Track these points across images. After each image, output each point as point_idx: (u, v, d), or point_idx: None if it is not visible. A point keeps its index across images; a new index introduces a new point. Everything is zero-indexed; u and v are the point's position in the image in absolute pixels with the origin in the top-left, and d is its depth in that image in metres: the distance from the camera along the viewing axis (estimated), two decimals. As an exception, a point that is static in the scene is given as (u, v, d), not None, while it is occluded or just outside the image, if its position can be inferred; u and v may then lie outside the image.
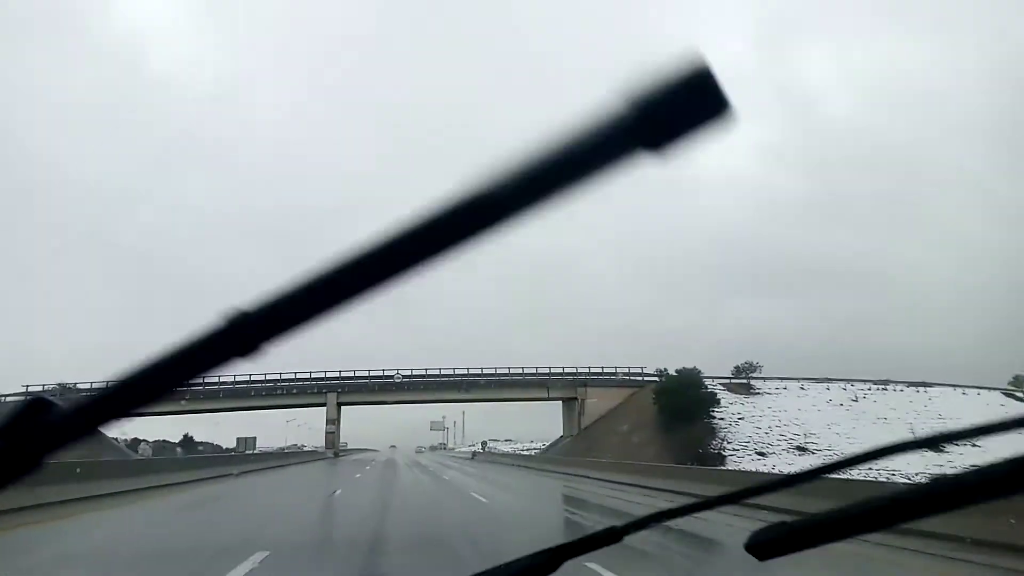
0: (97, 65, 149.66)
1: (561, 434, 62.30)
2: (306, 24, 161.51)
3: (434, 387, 56.95)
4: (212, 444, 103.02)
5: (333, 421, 55.11)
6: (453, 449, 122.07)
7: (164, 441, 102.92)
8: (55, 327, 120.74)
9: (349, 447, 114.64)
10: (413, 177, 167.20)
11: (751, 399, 56.39)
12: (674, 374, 53.98)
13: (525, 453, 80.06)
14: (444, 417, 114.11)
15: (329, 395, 55.47)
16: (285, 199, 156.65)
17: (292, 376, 55.43)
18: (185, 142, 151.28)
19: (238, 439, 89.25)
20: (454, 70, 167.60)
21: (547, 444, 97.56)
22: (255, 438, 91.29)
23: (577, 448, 53.61)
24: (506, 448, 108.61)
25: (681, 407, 49.82)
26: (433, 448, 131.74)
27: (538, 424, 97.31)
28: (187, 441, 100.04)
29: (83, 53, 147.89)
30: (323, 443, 56.40)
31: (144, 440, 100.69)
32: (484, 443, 61.56)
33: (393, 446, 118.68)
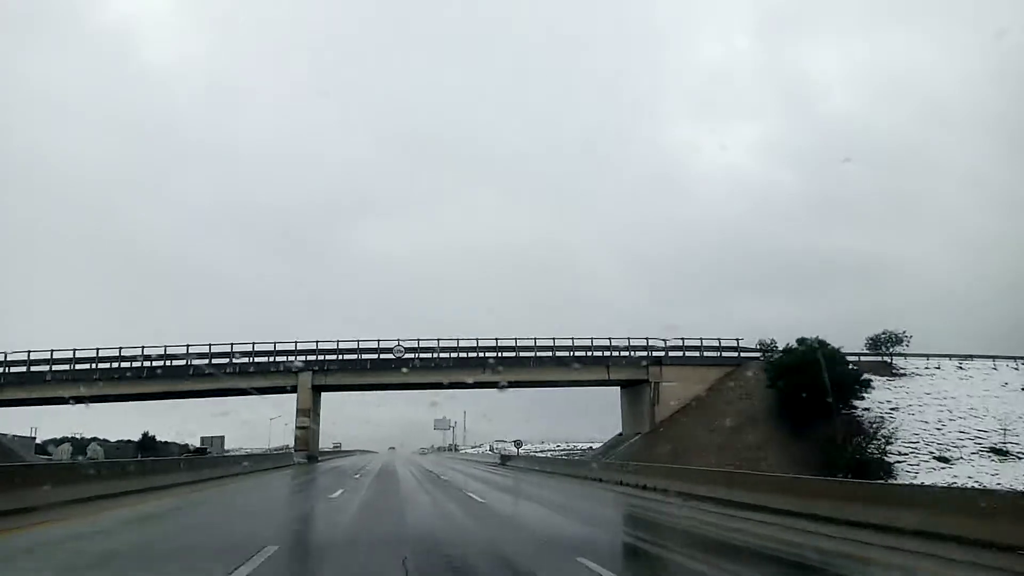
0: (88, 55, 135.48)
1: (620, 431, 46.09)
2: (305, 21, 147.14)
3: (450, 366, 40.74)
4: (179, 444, 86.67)
5: (307, 412, 38.88)
6: (462, 451, 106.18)
7: (125, 441, 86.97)
8: (44, 325, 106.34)
9: (343, 448, 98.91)
10: (413, 175, 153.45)
11: (898, 382, 40.11)
12: (794, 346, 37.64)
13: (540, 456, 65.82)
14: (445, 417, 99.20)
15: (301, 376, 39.28)
16: (283, 195, 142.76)
17: (248, 349, 39.25)
18: (181, 136, 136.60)
19: (202, 439, 73.78)
20: (455, 66, 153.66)
21: (571, 447, 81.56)
22: (223, 437, 75.79)
23: (654, 451, 37.37)
24: (517, 450, 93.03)
25: (812, 392, 33.60)
26: (440, 449, 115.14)
27: (551, 422, 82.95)
28: (147, 441, 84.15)
29: (75, 42, 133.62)
30: (309, 444, 39.94)
31: (100, 440, 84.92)
32: (518, 442, 45.00)
33: (392, 448, 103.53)
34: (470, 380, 39.46)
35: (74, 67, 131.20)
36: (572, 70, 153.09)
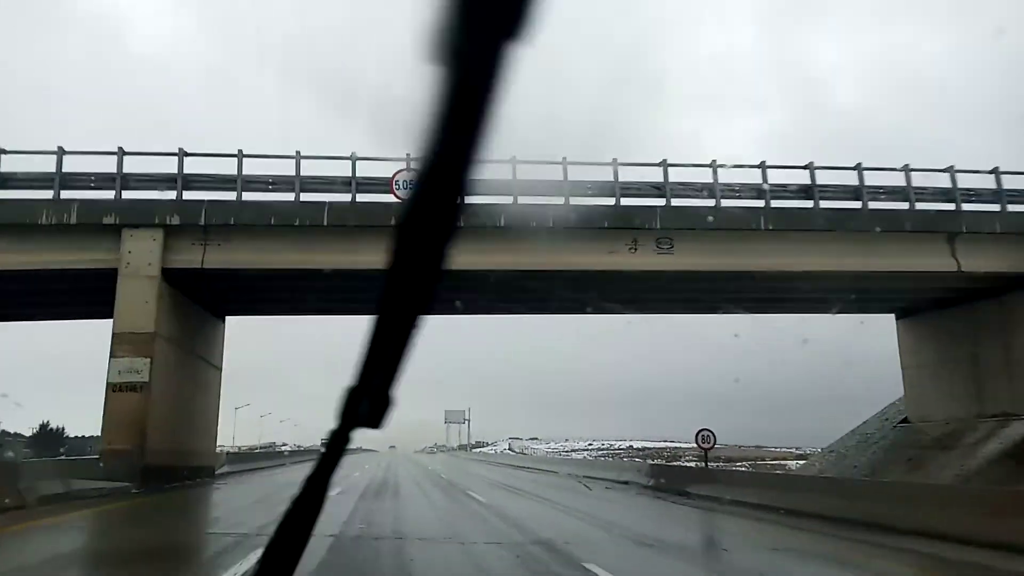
0: (80, 45, 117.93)
1: (899, 415, 20.68)
2: (304, 16, 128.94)
3: (542, 231, 15.23)
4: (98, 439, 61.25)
5: (145, 341, 13.49)
6: (478, 450, 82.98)
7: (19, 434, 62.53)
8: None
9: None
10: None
11: None
12: None
13: (575, 458, 47.71)
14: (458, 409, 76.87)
15: (129, 240, 13.90)
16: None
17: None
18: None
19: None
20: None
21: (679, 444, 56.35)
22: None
23: None
24: (543, 449, 74.83)
25: None
26: (453, 448, 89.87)
27: (559, 416, 60.61)
28: (47, 433, 59.39)
29: (67, 31, 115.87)
30: (148, 434, 14.88)
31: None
32: (705, 435, 18.40)
33: (393, 447, 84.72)
34: (596, 263, 14.12)
35: (69, 56, 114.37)
36: (572, 67, 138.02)
